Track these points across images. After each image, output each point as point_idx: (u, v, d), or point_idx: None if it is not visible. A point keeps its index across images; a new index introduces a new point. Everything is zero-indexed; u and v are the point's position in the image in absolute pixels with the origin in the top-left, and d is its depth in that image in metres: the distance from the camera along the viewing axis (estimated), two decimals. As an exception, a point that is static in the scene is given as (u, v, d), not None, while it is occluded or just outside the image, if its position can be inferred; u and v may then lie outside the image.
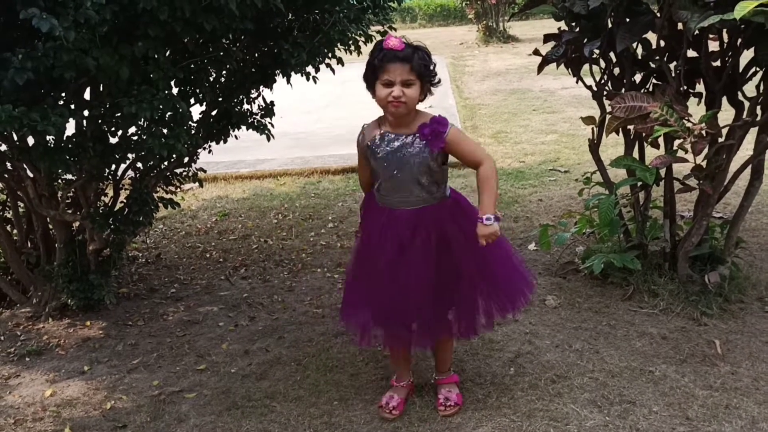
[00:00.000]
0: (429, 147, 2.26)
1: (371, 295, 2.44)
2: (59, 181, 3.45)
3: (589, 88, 3.43)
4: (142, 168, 3.47)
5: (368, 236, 2.48)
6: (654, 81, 3.25)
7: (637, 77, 3.29)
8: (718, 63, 3.07)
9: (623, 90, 3.23)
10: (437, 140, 2.25)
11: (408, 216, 2.35)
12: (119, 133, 3.10)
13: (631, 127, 3.18)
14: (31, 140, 2.83)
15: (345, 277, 2.65)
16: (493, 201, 2.29)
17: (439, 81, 2.32)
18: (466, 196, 2.57)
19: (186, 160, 3.73)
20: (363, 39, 3.74)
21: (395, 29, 3.81)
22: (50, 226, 3.58)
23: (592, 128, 3.43)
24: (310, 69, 3.67)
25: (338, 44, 3.61)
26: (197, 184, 4.04)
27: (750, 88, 3.08)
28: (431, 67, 2.24)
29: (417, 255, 2.34)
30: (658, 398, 2.57)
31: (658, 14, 2.94)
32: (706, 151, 2.90)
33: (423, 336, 2.48)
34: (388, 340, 2.55)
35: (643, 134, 3.00)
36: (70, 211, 3.47)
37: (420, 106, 2.33)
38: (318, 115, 8.58)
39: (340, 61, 3.78)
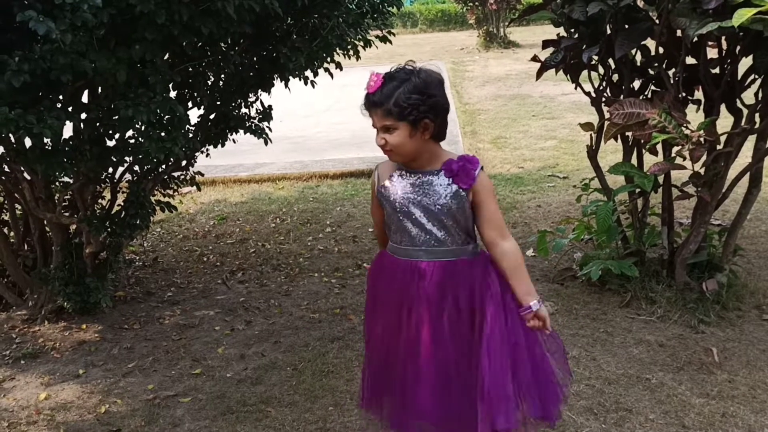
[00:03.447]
0: (457, 184, 1.89)
1: (390, 382, 2.05)
2: (56, 183, 3.45)
3: (587, 94, 3.42)
4: (139, 171, 3.47)
5: (377, 300, 2.10)
6: (653, 88, 3.25)
7: (636, 84, 3.29)
8: (716, 70, 3.07)
9: (622, 96, 3.23)
10: (467, 177, 1.89)
11: (434, 270, 1.94)
12: (116, 136, 3.09)
13: (629, 133, 3.18)
14: (28, 143, 2.82)
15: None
16: (531, 284, 1.96)
17: (438, 116, 1.85)
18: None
19: (183, 163, 3.73)
20: (362, 44, 3.73)
21: (394, 34, 3.82)
22: (47, 229, 3.58)
23: (591, 134, 3.43)
24: (308, 73, 3.68)
25: (337, 49, 3.61)
26: (195, 187, 4.04)
27: (748, 96, 3.07)
28: (418, 104, 1.79)
29: (445, 326, 1.95)
30: (654, 406, 2.56)
31: (657, 21, 2.94)
32: (704, 158, 2.90)
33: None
34: None
35: (642, 141, 3.00)
36: (67, 214, 3.47)
37: None
38: (317, 119, 8.59)
39: (338, 66, 3.78)
